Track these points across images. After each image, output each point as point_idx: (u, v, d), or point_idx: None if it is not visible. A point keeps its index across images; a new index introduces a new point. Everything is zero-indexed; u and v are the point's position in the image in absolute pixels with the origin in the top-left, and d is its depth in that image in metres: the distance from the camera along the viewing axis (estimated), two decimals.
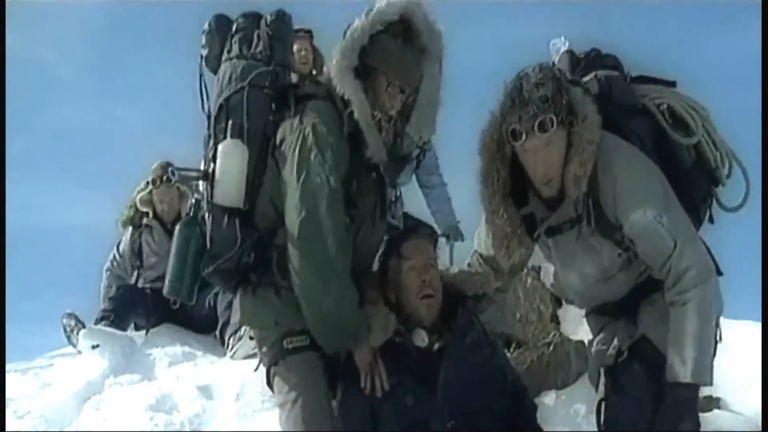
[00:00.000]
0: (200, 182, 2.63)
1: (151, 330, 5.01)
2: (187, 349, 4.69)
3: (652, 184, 2.38)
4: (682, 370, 2.26)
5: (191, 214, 2.66)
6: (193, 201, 2.64)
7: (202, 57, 2.69)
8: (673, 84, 2.61)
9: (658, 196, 2.37)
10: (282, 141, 2.46)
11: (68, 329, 4.68)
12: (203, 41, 2.70)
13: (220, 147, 2.50)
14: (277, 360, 2.47)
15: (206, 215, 2.53)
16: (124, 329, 4.96)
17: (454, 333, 2.53)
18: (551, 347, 3.86)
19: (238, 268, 2.49)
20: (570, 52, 2.60)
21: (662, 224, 2.31)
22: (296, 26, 3.04)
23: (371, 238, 2.56)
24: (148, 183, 5.30)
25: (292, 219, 2.36)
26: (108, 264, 5.38)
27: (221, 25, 2.68)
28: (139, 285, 5.20)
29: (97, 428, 3.71)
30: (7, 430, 3.53)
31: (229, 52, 2.62)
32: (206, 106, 2.63)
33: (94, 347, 4.52)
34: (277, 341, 2.47)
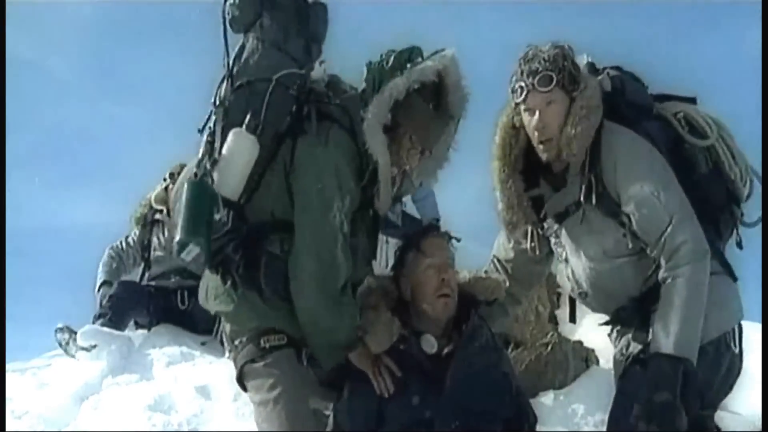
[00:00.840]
0: (202, 159, 2.48)
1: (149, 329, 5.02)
2: (185, 349, 4.69)
3: (653, 163, 2.43)
4: (664, 342, 2.29)
5: (198, 174, 2.45)
6: (196, 164, 2.47)
7: (228, 13, 2.59)
8: (693, 101, 2.63)
9: (658, 173, 2.41)
10: (301, 164, 2.43)
11: (63, 343, 4.65)
12: (236, 0, 2.58)
13: (232, 135, 2.44)
14: (253, 357, 2.44)
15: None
16: (122, 328, 4.95)
17: (464, 336, 2.52)
18: (549, 347, 3.87)
19: (216, 254, 2.44)
20: (590, 63, 2.62)
21: (659, 199, 2.36)
22: None
23: (360, 273, 2.58)
24: (165, 179, 5.33)
25: (309, 257, 2.37)
26: (116, 244, 5.36)
27: None
28: (144, 282, 5.21)
29: (95, 428, 3.70)
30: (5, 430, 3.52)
31: (261, 27, 2.56)
32: (227, 60, 2.54)
33: (88, 349, 4.52)
34: (253, 338, 2.44)
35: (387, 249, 2.72)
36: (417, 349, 2.49)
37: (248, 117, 2.45)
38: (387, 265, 2.74)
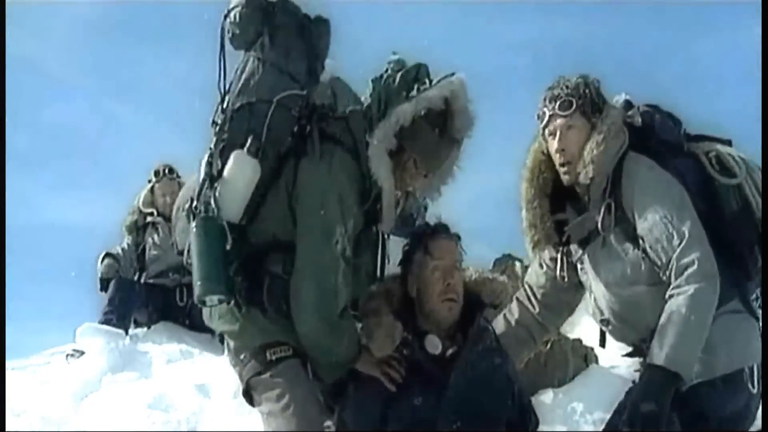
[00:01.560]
0: (204, 182, 2.47)
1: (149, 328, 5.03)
2: (184, 347, 4.70)
3: (670, 188, 2.46)
4: (657, 353, 2.32)
5: (200, 203, 2.45)
6: (194, 188, 2.49)
7: (228, 31, 2.57)
8: (728, 143, 2.64)
9: (672, 198, 2.44)
10: (304, 187, 2.41)
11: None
12: (236, 17, 2.56)
13: (233, 157, 2.43)
14: (260, 371, 2.43)
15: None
16: (126, 327, 4.96)
17: (468, 339, 2.52)
18: (549, 346, 3.86)
19: None
20: (627, 101, 2.67)
21: (672, 223, 2.39)
22: None
23: (365, 289, 2.58)
24: (150, 180, 5.38)
25: (309, 283, 2.36)
26: (112, 249, 5.37)
27: (258, 8, 2.55)
28: (141, 280, 5.22)
29: (94, 427, 3.71)
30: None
31: (262, 46, 2.55)
32: (222, 85, 2.54)
33: (75, 355, 4.54)
34: (258, 352, 2.43)
35: (387, 246, 2.70)
36: (420, 351, 2.49)
37: (249, 139, 2.43)
38: (388, 262, 2.72)
